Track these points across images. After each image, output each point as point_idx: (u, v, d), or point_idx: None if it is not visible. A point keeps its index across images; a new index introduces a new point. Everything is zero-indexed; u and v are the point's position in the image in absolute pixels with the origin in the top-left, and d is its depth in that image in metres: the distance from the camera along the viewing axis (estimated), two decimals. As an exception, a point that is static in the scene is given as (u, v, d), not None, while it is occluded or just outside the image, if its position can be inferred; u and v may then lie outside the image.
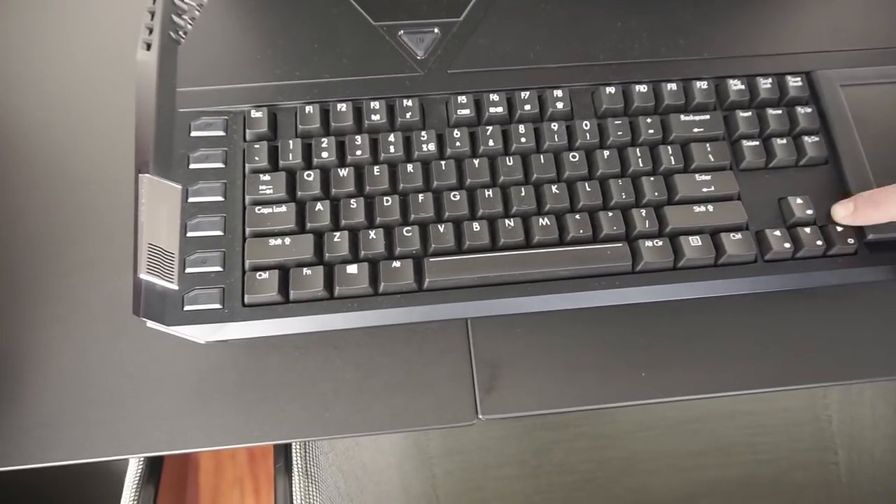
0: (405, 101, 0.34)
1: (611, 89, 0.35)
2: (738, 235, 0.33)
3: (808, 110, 0.35)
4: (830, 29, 0.38)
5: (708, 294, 0.33)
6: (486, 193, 0.33)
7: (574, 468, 0.55)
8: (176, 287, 0.31)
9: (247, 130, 0.34)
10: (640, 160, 0.34)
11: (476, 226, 0.32)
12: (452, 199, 0.33)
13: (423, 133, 0.34)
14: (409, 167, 0.33)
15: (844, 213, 0.33)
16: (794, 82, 0.36)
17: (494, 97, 0.34)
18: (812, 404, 0.57)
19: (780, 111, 0.35)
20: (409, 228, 0.32)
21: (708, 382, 0.34)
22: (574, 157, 0.34)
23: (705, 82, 0.35)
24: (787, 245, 0.32)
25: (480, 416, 0.33)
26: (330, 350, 0.33)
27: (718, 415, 0.58)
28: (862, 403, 0.54)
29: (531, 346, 0.34)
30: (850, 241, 0.33)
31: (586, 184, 0.33)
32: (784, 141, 0.34)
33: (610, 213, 0.33)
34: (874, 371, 0.35)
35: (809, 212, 0.33)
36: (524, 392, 0.33)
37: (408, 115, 0.34)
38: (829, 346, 0.35)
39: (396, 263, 0.31)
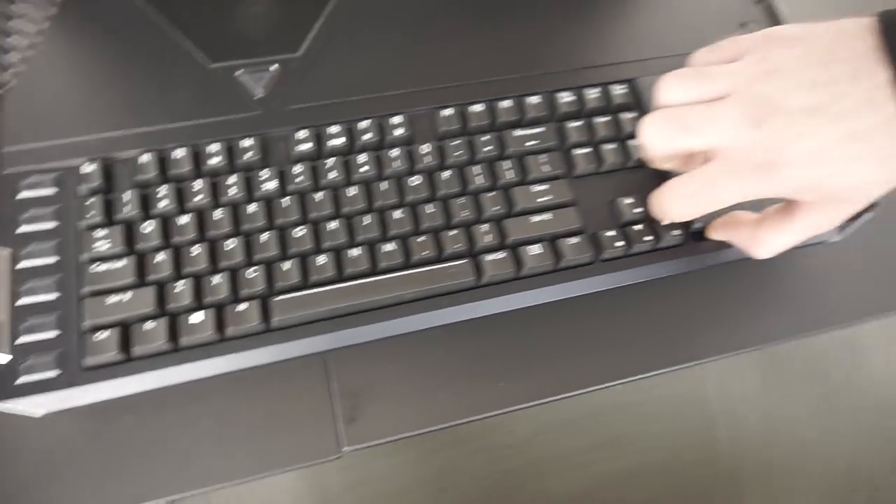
0: (244, 142, 0.34)
1: (448, 111, 0.36)
2: (575, 240, 0.34)
3: (634, 115, 0.38)
4: (651, 38, 0.41)
5: (552, 298, 0.35)
6: (330, 226, 0.33)
7: (476, 484, 0.56)
8: (8, 358, 0.29)
9: (79, 186, 0.33)
10: (479, 178, 0.35)
11: (321, 259, 0.32)
12: (296, 235, 0.33)
13: (264, 172, 0.34)
14: (251, 207, 0.33)
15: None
16: (619, 90, 0.38)
17: (334, 129, 0.35)
18: (692, 388, 0.60)
19: (607, 118, 0.37)
20: (253, 269, 0.32)
21: (565, 382, 0.36)
22: (415, 180, 0.35)
23: (538, 97, 0.37)
24: (620, 244, 0.35)
25: (345, 449, 0.33)
26: (187, 402, 0.32)
27: (609, 409, 0.60)
28: (733, 379, 0.58)
29: (390, 370, 0.34)
30: (676, 232, 0.35)
31: (429, 206, 0.34)
32: (613, 146, 0.37)
33: (452, 232, 0.34)
34: (718, 349, 0.38)
35: (638, 210, 0.36)
36: (386, 417, 0.34)
37: (247, 156, 0.34)
38: (674, 331, 0.37)
39: (242, 306, 0.31)
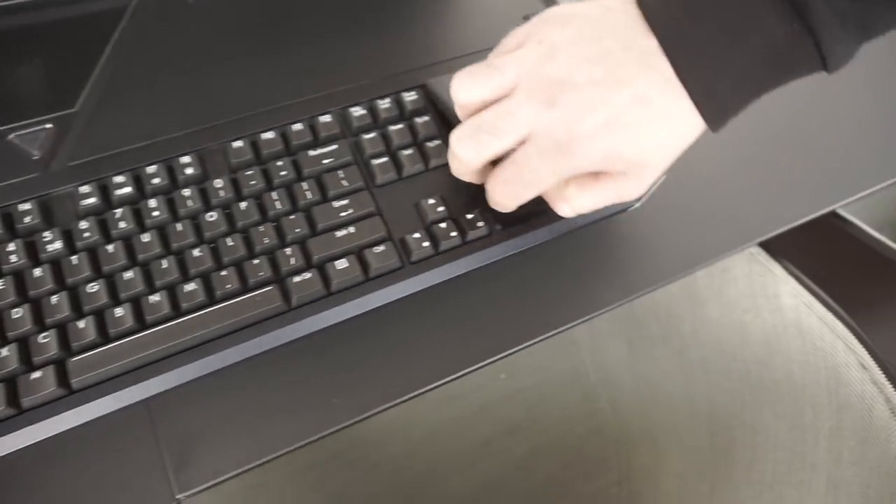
0: (21, 206, 0.33)
1: (238, 143, 0.36)
2: (381, 248, 0.35)
3: (426, 119, 0.39)
4: (439, 41, 0.43)
5: (369, 307, 0.35)
6: (126, 276, 0.33)
7: (376, 499, 0.56)
8: None
9: None
10: (277, 203, 0.35)
11: (119, 311, 0.32)
12: (90, 290, 0.32)
13: (47, 233, 0.33)
14: (36, 272, 0.32)
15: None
16: (409, 97, 0.39)
17: (119, 179, 0.35)
18: (572, 363, 0.62)
19: (401, 126, 0.38)
20: (45, 334, 0.31)
21: (399, 386, 0.36)
22: (212, 216, 0.35)
23: (329, 116, 0.38)
24: (427, 244, 0.36)
25: (179, 496, 0.32)
26: (4, 483, 0.31)
27: (496, 401, 0.61)
28: (605, 349, 0.60)
29: (217, 407, 0.34)
30: (480, 224, 0.37)
31: (228, 239, 0.34)
32: (410, 151, 0.38)
33: (256, 261, 0.34)
34: (546, 327, 0.39)
35: (441, 209, 0.37)
36: (220, 456, 0.33)
37: (27, 220, 0.33)
38: (501, 316, 0.39)
39: (37, 374, 0.30)
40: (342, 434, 0.37)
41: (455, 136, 0.31)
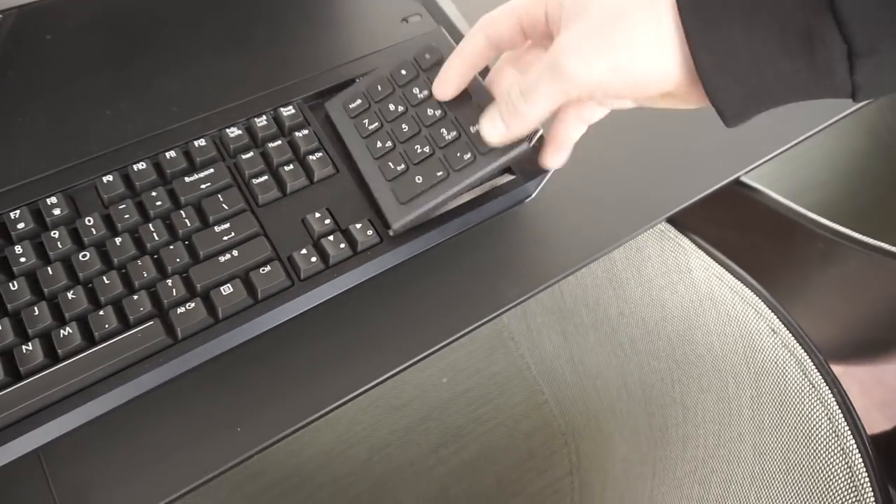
0: None
1: (108, 177, 0.36)
2: (268, 268, 0.35)
3: (306, 132, 0.39)
4: (318, 51, 0.42)
5: (260, 330, 0.35)
6: (-5, 328, 0.31)
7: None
8: None
9: None
10: (154, 234, 0.35)
11: (-11, 365, 0.30)
12: (-44, 348, 0.31)
13: None
14: None
15: (496, 136, 0.34)
16: (287, 112, 0.39)
17: (-19, 228, 0.33)
18: (512, 360, 0.62)
19: (280, 142, 0.38)
20: None
21: (304, 407, 0.36)
22: (84, 255, 0.34)
23: (203, 139, 0.37)
24: (315, 259, 0.35)
25: (77, 550, 0.31)
26: None
27: (441, 405, 0.61)
28: (542, 343, 0.60)
29: (114, 450, 0.33)
30: (370, 232, 0.36)
31: (104, 277, 0.33)
32: (291, 167, 0.37)
33: (136, 297, 0.33)
34: (456, 328, 0.39)
35: (328, 222, 0.36)
36: (120, 502, 0.32)
37: None
38: (406, 324, 0.38)
39: None
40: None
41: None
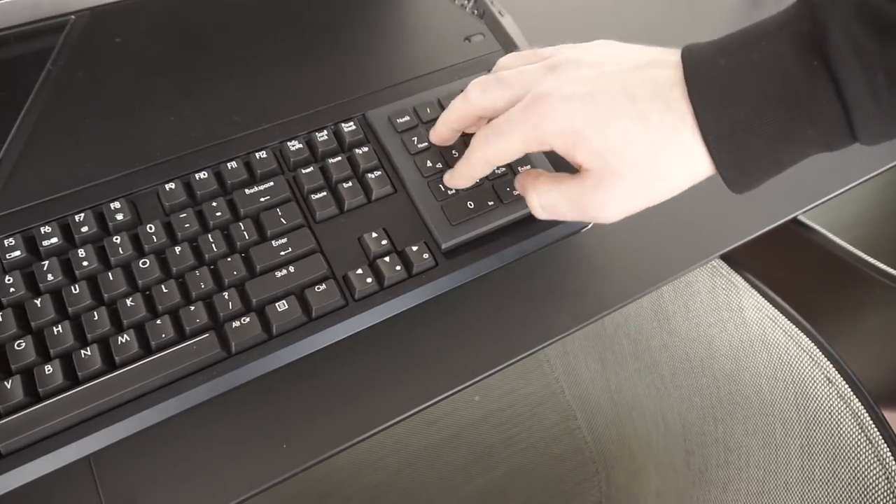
0: (-57, 263, 0.32)
1: (170, 185, 0.36)
2: (323, 286, 0.35)
3: (366, 149, 0.39)
4: (379, 68, 0.42)
5: (312, 349, 0.35)
6: (55, 330, 0.32)
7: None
8: None
9: None
10: (213, 245, 0.35)
11: (48, 368, 0.31)
12: (17, 348, 0.31)
13: (-30, 290, 0.32)
14: (-39, 332, 0.31)
15: (449, 179, 0.37)
16: (348, 128, 0.39)
17: (46, 229, 0.34)
18: (546, 382, 0.62)
19: (339, 158, 0.38)
20: (-31, 398, 0.30)
21: (351, 427, 0.36)
22: (145, 263, 0.34)
23: (264, 152, 0.38)
24: (370, 280, 0.35)
25: (121, 556, 0.31)
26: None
27: (472, 424, 0.61)
28: (578, 368, 0.59)
29: (162, 460, 0.34)
30: (426, 255, 0.36)
31: (162, 286, 0.33)
32: (350, 184, 0.37)
33: (192, 307, 0.33)
34: (507, 355, 0.39)
35: (385, 242, 0.36)
36: (165, 511, 0.32)
37: (-50, 278, 0.32)
38: (458, 349, 0.38)
39: (-41, 440, 0.29)
40: (310, 470, 0.37)
41: (474, 80, 0.34)
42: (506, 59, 0.36)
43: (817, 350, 0.41)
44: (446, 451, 0.60)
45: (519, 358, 0.40)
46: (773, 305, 0.44)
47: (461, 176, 0.37)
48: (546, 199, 0.34)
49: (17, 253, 0.33)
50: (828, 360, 0.40)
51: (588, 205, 0.32)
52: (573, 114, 0.30)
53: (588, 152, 0.31)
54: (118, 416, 0.32)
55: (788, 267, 0.51)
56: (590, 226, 0.41)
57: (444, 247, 0.37)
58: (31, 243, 0.34)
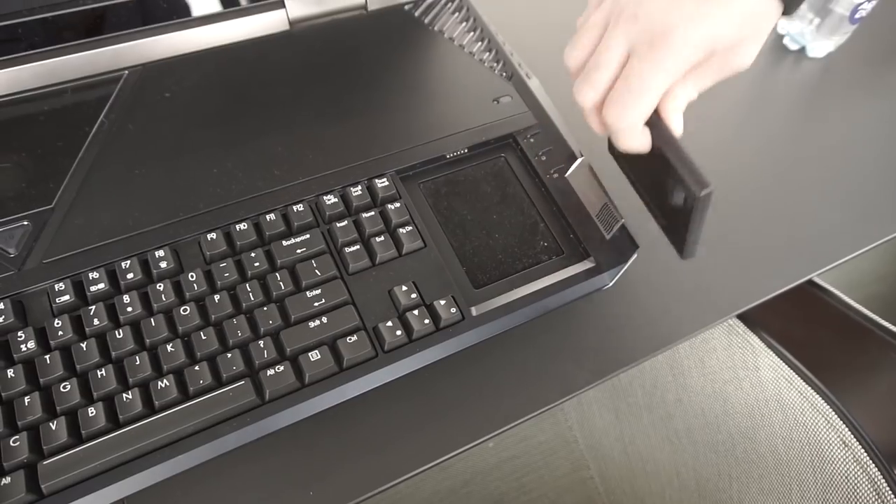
0: (-3, 306, 0.34)
1: (212, 235, 0.38)
2: (354, 337, 0.36)
3: (398, 205, 0.41)
4: (412, 126, 0.45)
5: (342, 399, 0.36)
6: (100, 374, 0.34)
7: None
8: None
9: None
10: (250, 295, 0.37)
11: (91, 410, 0.33)
12: (63, 390, 0.33)
13: (21, 333, 0.34)
14: (10, 373, 0.33)
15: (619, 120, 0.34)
16: (381, 183, 0.41)
17: (94, 275, 0.36)
18: (559, 431, 0.63)
19: (372, 213, 0.40)
20: (15, 438, 0.32)
21: (376, 476, 0.37)
22: (185, 310, 0.36)
23: (301, 205, 0.40)
24: (400, 332, 0.37)
25: None
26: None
27: (485, 470, 0.62)
28: (593, 418, 0.60)
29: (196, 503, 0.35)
30: (453, 310, 0.38)
31: (201, 333, 0.35)
32: (382, 238, 0.39)
33: (229, 355, 0.35)
34: (527, 409, 0.40)
35: (414, 296, 0.38)
36: (193, 554, 0.34)
37: (1, 319, 0.34)
38: (481, 401, 0.39)
39: (6, 480, 0.31)
40: None
41: (574, 90, 0.35)
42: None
43: (833, 413, 0.42)
44: (458, 498, 0.61)
45: (539, 412, 0.41)
46: (789, 366, 0.45)
47: (615, 130, 0.35)
48: (683, 94, 0.34)
49: (67, 297, 0.35)
50: (844, 423, 0.41)
51: (729, 68, 0.34)
52: (701, 29, 0.31)
53: (722, 41, 0.32)
54: (155, 459, 0.33)
55: (805, 326, 0.52)
56: (610, 284, 0.42)
57: (473, 313, 0.39)
58: (80, 288, 0.36)
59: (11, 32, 0.40)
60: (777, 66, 0.62)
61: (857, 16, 0.59)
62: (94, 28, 0.43)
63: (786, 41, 0.64)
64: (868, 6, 0.59)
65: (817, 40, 0.62)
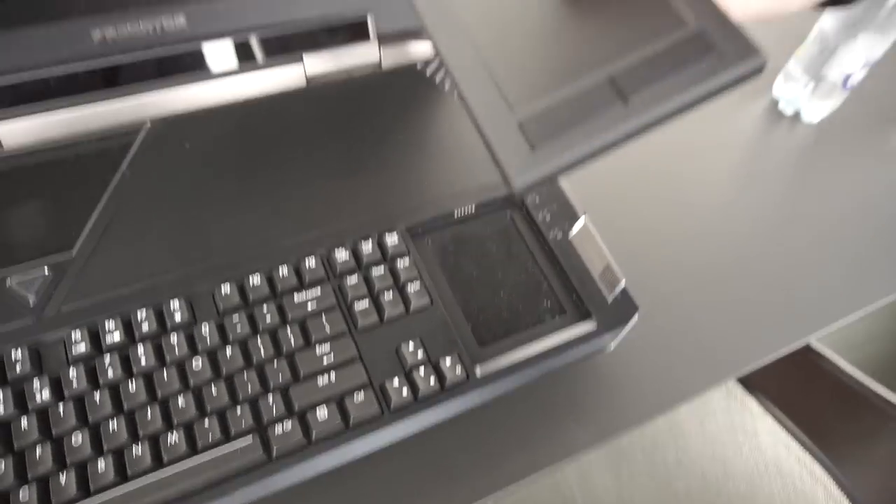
0: (14, 354, 0.35)
1: (226, 287, 0.39)
2: (361, 396, 0.37)
3: (407, 261, 0.42)
4: (419, 184, 0.46)
5: (347, 458, 0.37)
6: (111, 427, 0.34)
7: None
8: None
9: None
10: (261, 349, 0.38)
11: (101, 463, 0.33)
12: (74, 443, 0.34)
13: (36, 382, 0.35)
14: (24, 422, 0.34)
15: None
16: (391, 239, 0.42)
17: (110, 324, 0.37)
18: (559, 490, 0.63)
19: (382, 269, 0.41)
20: (24, 489, 0.32)
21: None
22: (197, 363, 0.37)
23: (313, 259, 0.41)
24: (406, 392, 0.38)
25: None
26: None
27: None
28: (593, 479, 0.61)
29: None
30: (459, 370, 0.39)
31: (212, 386, 0.36)
32: (390, 295, 0.41)
33: (238, 410, 0.36)
34: (527, 470, 0.41)
35: (420, 354, 0.39)
36: None
37: (18, 368, 0.35)
38: (481, 461, 0.40)
39: (13, 532, 0.31)
40: None
41: None
42: None
43: (831, 482, 0.43)
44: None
45: (541, 472, 0.42)
46: (788, 431, 0.46)
47: None
48: None
49: (82, 347, 0.36)
50: (842, 492, 0.42)
51: None
52: None
53: None
54: (158, 515, 0.34)
55: (803, 390, 0.53)
56: (612, 346, 0.44)
57: (478, 373, 0.40)
58: (95, 337, 0.37)
59: (40, 85, 0.42)
60: (773, 131, 0.65)
61: (849, 83, 0.62)
62: (120, 80, 0.45)
63: (781, 106, 0.67)
64: (860, 74, 0.61)
65: (812, 105, 0.65)
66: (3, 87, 0.41)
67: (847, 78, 0.61)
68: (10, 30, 0.39)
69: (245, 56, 0.47)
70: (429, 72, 0.53)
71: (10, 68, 0.40)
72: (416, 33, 0.51)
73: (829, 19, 0.60)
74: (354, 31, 0.49)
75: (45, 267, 0.39)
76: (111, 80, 0.44)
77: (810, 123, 0.66)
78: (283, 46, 0.48)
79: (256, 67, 0.48)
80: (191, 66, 0.46)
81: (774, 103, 0.67)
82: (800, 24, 0.58)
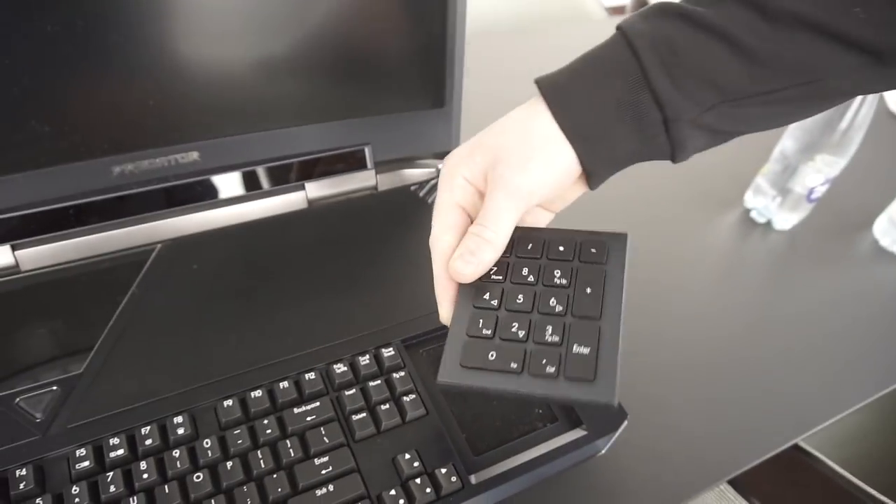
0: (19, 471, 0.36)
1: (228, 402, 0.41)
2: (358, 506, 0.38)
3: (402, 374, 0.44)
4: (408, 299, 0.49)
5: (344, 571, 0.37)
6: (110, 544, 0.35)
7: None
8: None
9: None
10: (261, 462, 0.39)
11: (100, 583, 0.34)
12: (73, 561, 0.34)
13: (39, 501, 0.36)
14: (24, 542, 0.34)
15: (468, 269, 0.38)
16: (387, 353, 0.45)
17: (115, 440, 0.38)
18: None
19: (379, 381, 0.43)
20: None
21: None
22: (198, 477, 0.38)
23: (313, 373, 0.43)
24: (402, 502, 0.39)
25: None
26: None
27: None
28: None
29: None
30: (454, 479, 0.40)
31: (213, 501, 0.37)
32: (387, 406, 0.42)
33: (237, 524, 0.36)
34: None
35: (416, 464, 0.40)
36: None
37: (22, 486, 0.36)
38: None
39: None
40: None
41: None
42: None
43: (828, 587, 0.43)
44: None
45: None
46: (782, 536, 0.46)
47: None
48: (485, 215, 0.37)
49: (86, 463, 0.37)
50: None
51: (500, 182, 0.37)
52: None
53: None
54: None
55: (794, 491, 0.54)
56: (604, 451, 0.45)
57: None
58: (99, 454, 0.38)
59: (60, 214, 0.46)
60: (747, 238, 0.69)
61: (813, 196, 0.67)
62: (135, 209, 0.48)
63: (753, 215, 0.72)
64: (822, 189, 0.67)
65: (781, 215, 0.70)
66: (27, 217, 0.45)
67: (811, 191, 0.66)
68: (38, 169, 0.43)
69: (251, 185, 0.51)
70: (422, 192, 0.58)
71: (36, 202, 0.44)
72: (409, 161, 0.56)
73: (789, 141, 0.66)
74: (353, 162, 0.54)
75: (55, 385, 0.41)
76: (127, 208, 0.48)
77: (782, 230, 0.70)
78: (288, 176, 0.52)
79: (262, 195, 0.53)
80: (201, 195, 0.50)
81: (747, 212, 0.72)
82: (765, 141, 0.64)
